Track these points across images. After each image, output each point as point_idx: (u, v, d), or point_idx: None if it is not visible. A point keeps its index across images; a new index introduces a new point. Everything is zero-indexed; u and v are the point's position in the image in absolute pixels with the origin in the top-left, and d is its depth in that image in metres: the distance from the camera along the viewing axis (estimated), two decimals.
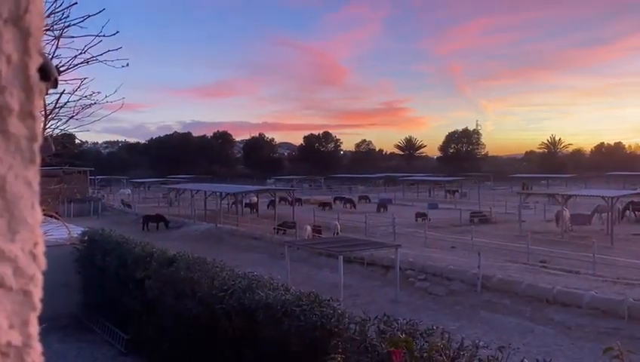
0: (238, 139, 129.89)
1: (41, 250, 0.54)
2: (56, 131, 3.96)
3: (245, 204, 43.78)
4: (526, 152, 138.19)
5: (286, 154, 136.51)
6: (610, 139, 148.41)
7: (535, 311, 14.63)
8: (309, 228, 27.97)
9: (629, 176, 75.59)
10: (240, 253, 25.50)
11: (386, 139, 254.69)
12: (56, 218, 4.20)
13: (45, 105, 3.00)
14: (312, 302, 6.49)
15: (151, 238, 19.26)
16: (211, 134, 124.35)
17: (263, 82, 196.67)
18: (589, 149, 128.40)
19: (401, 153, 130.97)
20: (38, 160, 0.58)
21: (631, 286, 15.83)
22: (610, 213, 28.82)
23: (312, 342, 6.08)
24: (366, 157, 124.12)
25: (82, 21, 2.90)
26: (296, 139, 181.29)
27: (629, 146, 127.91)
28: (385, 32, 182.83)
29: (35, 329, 0.57)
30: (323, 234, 27.65)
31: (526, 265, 20.06)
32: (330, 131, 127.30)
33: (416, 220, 35.50)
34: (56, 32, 2.88)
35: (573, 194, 35.48)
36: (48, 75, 0.73)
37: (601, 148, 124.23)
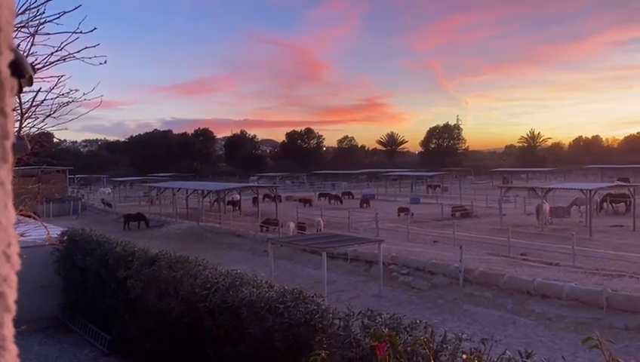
0: (219, 136, 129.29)
1: (15, 250, 0.53)
2: (33, 130, 3.89)
3: (228, 201, 43.62)
4: (506, 146, 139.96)
5: (268, 151, 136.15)
6: (587, 133, 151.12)
7: (516, 303, 14.82)
8: (292, 224, 27.94)
9: (606, 168, 76.99)
10: (223, 250, 25.39)
11: (368, 134, 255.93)
12: (34, 218, 4.12)
13: (21, 103, 2.94)
14: (296, 299, 6.48)
15: (132, 237, 19.07)
16: (192, 132, 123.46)
17: (244, 79, 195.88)
18: (568, 143, 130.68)
19: (384, 149, 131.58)
20: (11, 158, 0.57)
21: (609, 277, 16.13)
22: (588, 206, 29.29)
23: (296, 338, 6.08)
24: (348, 153, 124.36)
25: (58, 18, 2.85)
26: (279, 135, 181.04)
27: (606, 140, 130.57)
28: (364, 29, 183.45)
29: (9, 331, 0.55)
30: (307, 231, 27.66)
31: (507, 257, 20.30)
32: (312, 127, 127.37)
33: (399, 215, 35.73)
34: (32, 29, 2.82)
35: (553, 187, 35.98)
36: (22, 71, 0.71)
37: (579, 142, 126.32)
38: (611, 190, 37.20)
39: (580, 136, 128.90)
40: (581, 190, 31.28)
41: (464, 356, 3.98)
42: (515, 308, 14.60)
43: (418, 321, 5.39)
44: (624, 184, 41.65)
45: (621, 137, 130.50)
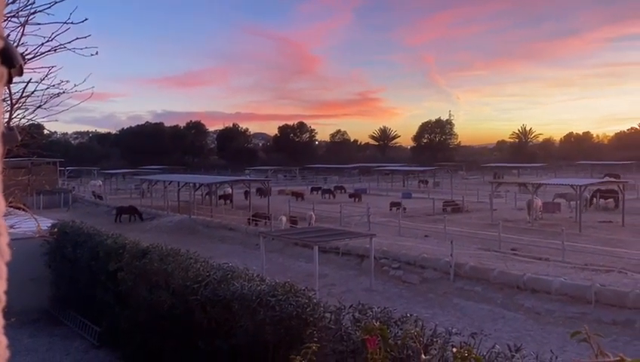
0: (211, 129, 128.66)
1: (4, 241, 0.53)
2: (23, 121, 3.85)
3: (220, 195, 43.52)
4: (497, 142, 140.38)
5: (260, 144, 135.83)
6: (578, 129, 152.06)
7: (506, 298, 14.93)
8: (284, 218, 27.94)
9: (596, 164, 77.57)
10: (214, 244, 25.36)
11: (360, 129, 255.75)
12: (24, 210, 4.09)
13: (11, 94, 2.91)
14: (287, 292, 6.49)
15: (123, 230, 18.98)
16: (184, 124, 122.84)
17: (236, 72, 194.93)
18: (559, 139, 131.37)
19: (376, 143, 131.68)
20: (1, 149, 0.56)
21: (598, 272, 16.29)
22: (578, 201, 29.52)
23: (287, 331, 6.10)
24: (341, 147, 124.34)
25: (49, 8, 2.82)
26: (271, 129, 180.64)
27: (597, 136, 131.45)
28: (357, 22, 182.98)
29: None
30: (299, 225, 27.69)
31: (497, 252, 20.43)
32: (304, 121, 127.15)
33: (391, 209, 35.83)
34: (22, 19, 2.79)
35: (543, 183, 36.22)
36: (12, 61, 0.71)
37: (570, 138, 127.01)
38: (601, 186, 37.54)
39: (571, 133, 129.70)
40: (571, 186, 31.53)
41: (454, 350, 4.00)
42: (505, 303, 14.71)
43: (409, 315, 5.41)
44: (614, 180, 42.00)
45: (611, 134, 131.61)
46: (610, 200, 36.78)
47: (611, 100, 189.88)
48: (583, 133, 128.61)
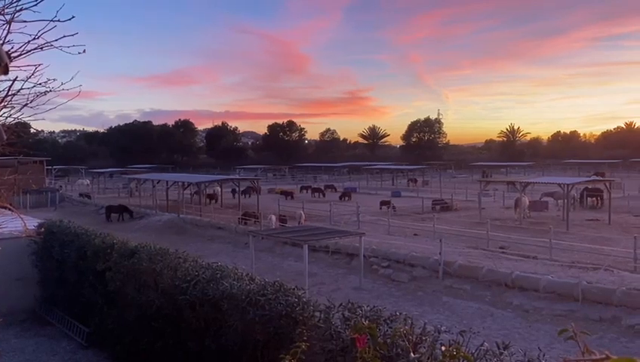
0: (200, 128, 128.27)
1: None
2: (10, 120, 3.81)
3: (207, 194, 43.39)
4: (486, 141, 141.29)
5: (250, 143, 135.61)
6: (566, 128, 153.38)
7: (494, 296, 15.03)
8: (273, 217, 27.91)
9: (583, 163, 78.36)
10: (204, 243, 25.27)
11: (349, 128, 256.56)
12: (10, 209, 4.05)
13: None
14: (276, 291, 6.47)
15: (112, 229, 18.86)
16: (172, 123, 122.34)
17: (225, 70, 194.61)
18: (546, 138, 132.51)
19: (365, 142, 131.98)
20: None
21: (585, 270, 16.44)
22: (565, 200, 29.79)
23: (277, 330, 6.08)
24: (330, 146, 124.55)
25: (35, 5, 2.79)
26: (260, 128, 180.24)
27: (584, 135, 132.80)
28: (346, 21, 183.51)
29: None
30: (288, 224, 27.67)
31: (486, 251, 20.55)
32: (294, 120, 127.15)
33: (381, 208, 35.93)
34: (8, 16, 2.76)
35: (531, 181, 36.52)
36: None
37: (557, 137, 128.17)
38: (589, 184, 37.96)
39: (559, 132, 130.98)
40: (559, 184, 31.83)
41: (443, 348, 4.02)
42: (494, 301, 14.80)
43: (398, 313, 5.42)
44: (601, 179, 42.48)
45: (598, 133, 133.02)
46: (594, 198, 37.27)
47: (598, 99, 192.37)
48: (571, 132, 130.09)
